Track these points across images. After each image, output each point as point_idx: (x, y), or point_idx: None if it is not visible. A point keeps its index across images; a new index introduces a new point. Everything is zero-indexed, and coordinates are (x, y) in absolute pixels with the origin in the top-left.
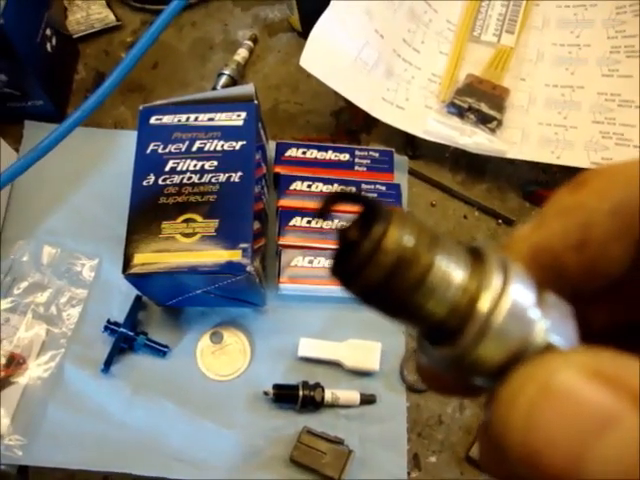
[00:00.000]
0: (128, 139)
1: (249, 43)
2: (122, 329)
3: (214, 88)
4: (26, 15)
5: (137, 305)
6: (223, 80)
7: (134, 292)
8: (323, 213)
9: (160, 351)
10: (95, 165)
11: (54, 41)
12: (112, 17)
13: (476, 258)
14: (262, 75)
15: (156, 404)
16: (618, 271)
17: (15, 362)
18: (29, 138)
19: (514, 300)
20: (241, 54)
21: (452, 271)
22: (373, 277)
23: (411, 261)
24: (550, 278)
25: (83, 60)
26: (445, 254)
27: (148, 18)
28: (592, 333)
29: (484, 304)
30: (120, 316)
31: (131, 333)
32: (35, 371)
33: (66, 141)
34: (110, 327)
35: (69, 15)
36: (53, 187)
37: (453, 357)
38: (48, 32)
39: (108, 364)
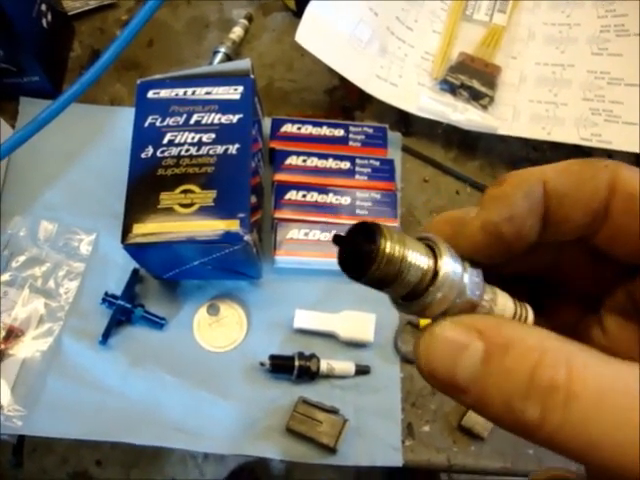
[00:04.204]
0: (124, 115)
1: (244, 22)
2: (120, 301)
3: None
4: None
5: (134, 278)
6: (219, 58)
7: (131, 266)
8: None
9: (157, 323)
10: (91, 141)
11: (49, 17)
12: None
13: (431, 246)
14: (257, 53)
15: (154, 375)
16: (534, 238)
17: (14, 335)
18: (25, 114)
19: (451, 274)
20: (236, 32)
21: (417, 259)
22: (376, 272)
23: (396, 257)
24: (493, 241)
25: (78, 38)
26: (412, 249)
27: None
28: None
29: (440, 278)
30: (117, 290)
31: (129, 305)
32: (34, 344)
33: (62, 117)
34: (108, 299)
35: None
36: (49, 163)
37: (419, 307)
38: (43, 8)
39: (106, 336)
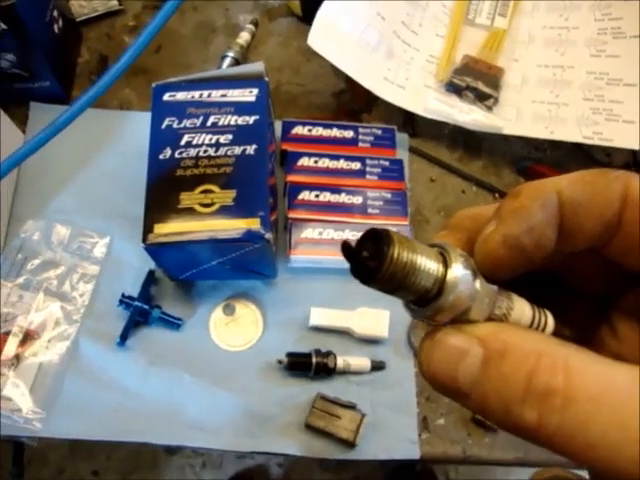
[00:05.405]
0: (134, 119)
1: (251, 27)
2: (137, 302)
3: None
4: None
5: (150, 279)
6: (227, 62)
7: (146, 268)
8: (357, 251)
9: (174, 324)
10: (102, 145)
11: (60, 23)
12: (114, 1)
13: (442, 253)
14: (264, 58)
15: (171, 375)
16: (552, 248)
17: (30, 338)
18: (35, 119)
19: (461, 280)
20: (243, 37)
21: (427, 264)
22: (386, 277)
23: (405, 263)
24: (515, 254)
25: (86, 43)
26: (421, 254)
27: (149, 3)
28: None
29: (449, 284)
30: (132, 292)
31: (146, 306)
32: (50, 346)
33: (73, 121)
34: (125, 301)
35: None
36: (61, 167)
37: (431, 312)
38: (55, 14)
39: (124, 337)
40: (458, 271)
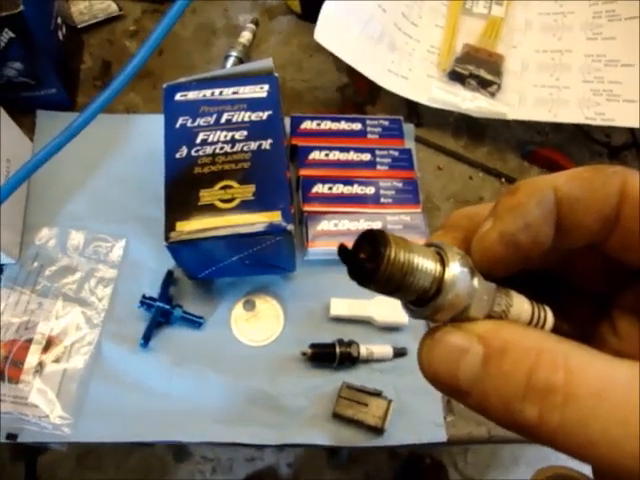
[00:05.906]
0: (141, 122)
1: (252, 26)
2: (159, 303)
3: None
4: (42, 2)
5: (169, 279)
6: (231, 61)
7: (163, 269)
8: (354, 252)
9: (196, 322)
10: (111, 149)
11: (64, 30)
12: (114, 7)
13: (439, 252)
14: (266, 56)
15: (196, 374)
16: (548, 245)
17: (53, 345)
18: (42, 127)
19: (459, 278)
20: (245, 37)
21: (424, 263)
22: (384, 278)
23: (402, 263)
24: (511, 251)
25: (88, 50)
26: (418, 254)
27: (149, 7)
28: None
29: (448, 283)
30: (151, 293)
31: (167, 306)
32: (73, 352)
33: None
34: (147, 302)
35: (72, 6)
36: (71, 173)
37: (430, 311)
38: (59, 21)
39: (147, 338)
40: (455, 269)
